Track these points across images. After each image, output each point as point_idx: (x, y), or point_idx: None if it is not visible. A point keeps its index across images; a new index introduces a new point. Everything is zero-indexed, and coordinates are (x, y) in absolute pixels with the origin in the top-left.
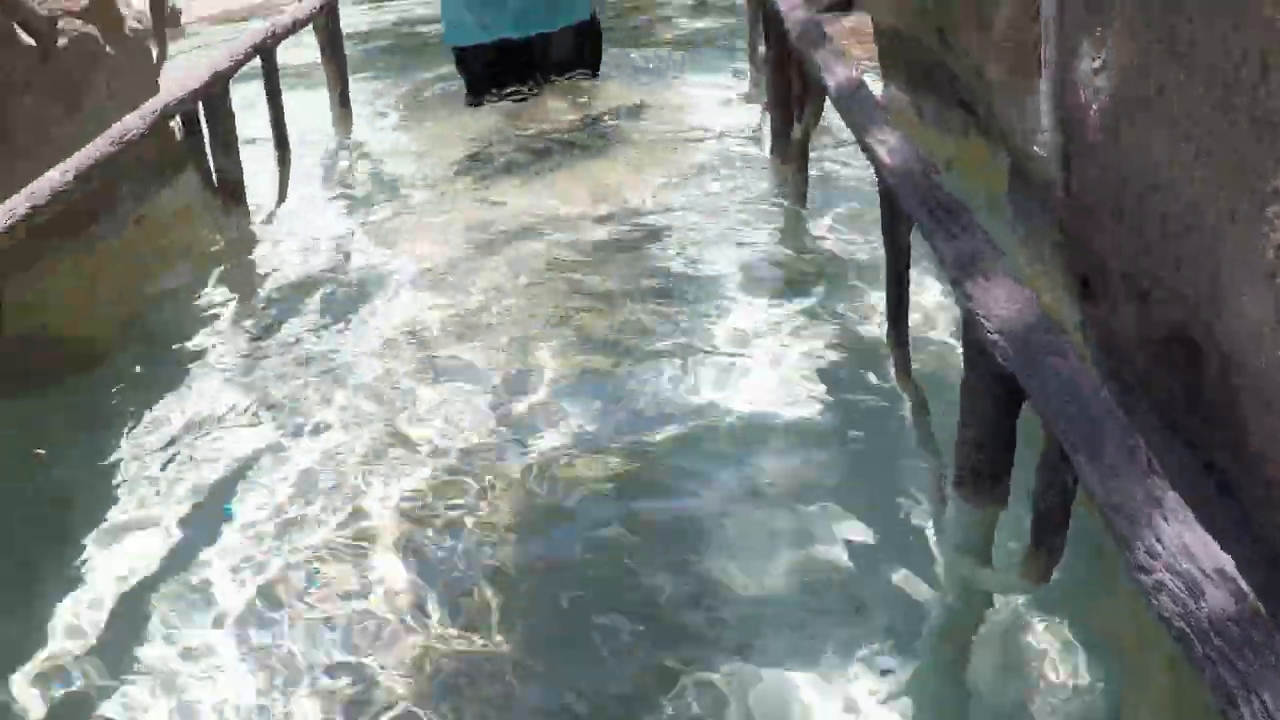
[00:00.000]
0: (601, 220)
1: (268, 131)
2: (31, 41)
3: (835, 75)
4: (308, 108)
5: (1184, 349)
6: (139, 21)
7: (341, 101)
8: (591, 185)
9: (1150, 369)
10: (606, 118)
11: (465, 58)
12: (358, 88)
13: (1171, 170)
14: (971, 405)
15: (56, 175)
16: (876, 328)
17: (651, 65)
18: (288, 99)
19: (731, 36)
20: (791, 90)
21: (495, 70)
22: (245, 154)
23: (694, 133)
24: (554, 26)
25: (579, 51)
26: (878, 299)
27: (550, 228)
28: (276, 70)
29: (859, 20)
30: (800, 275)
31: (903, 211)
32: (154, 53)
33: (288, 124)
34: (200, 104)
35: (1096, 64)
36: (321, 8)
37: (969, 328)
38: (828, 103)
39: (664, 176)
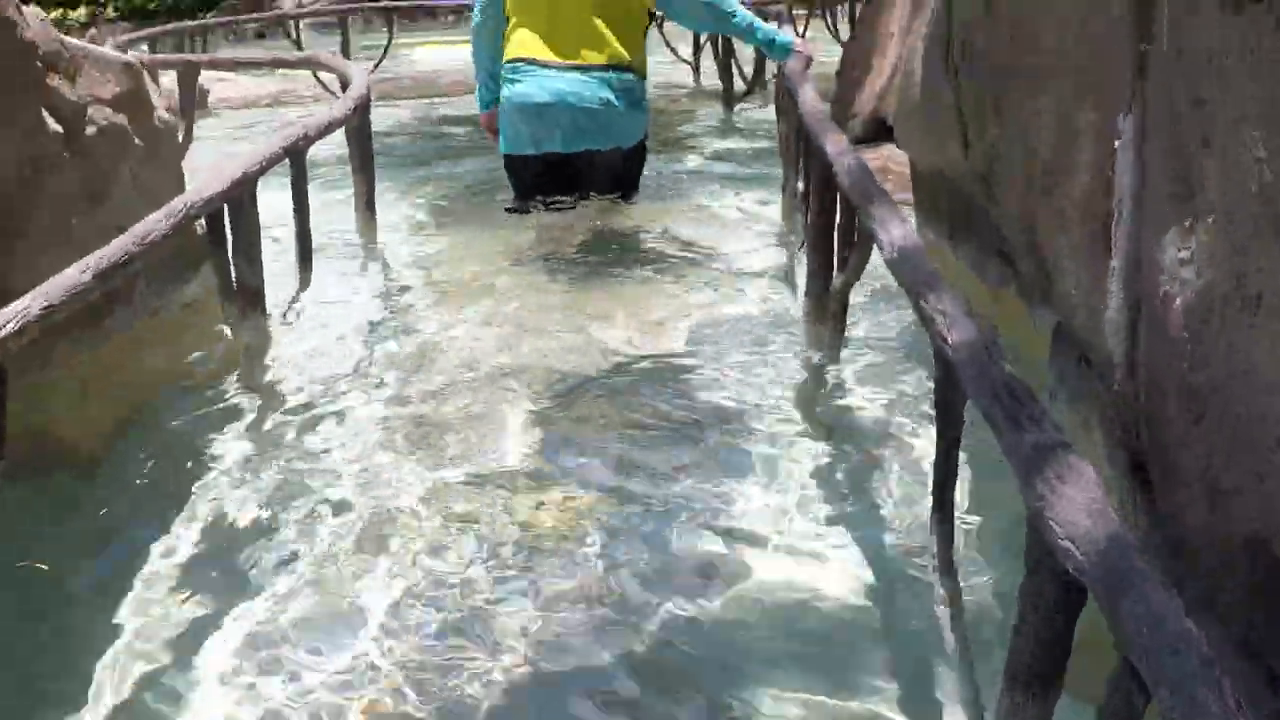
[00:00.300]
0: (621, 356)
1: (289, 216)
2: (59, 128)
3: (890, 233)
4: (329, 204)
5: (1264, 560)
6: (168, 111)
7: (368, 205)
8: (615, 312)
9: (1219, 571)
10: (634, 241)
11: (515, 166)
12: (381, 188)
13: (1266, 375)
14: (1031, 608)
15: (74, 274)
16: (916, 505)
17: (680, 187)
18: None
19: (759, 161)
20: (833, 236)
21: (541, 181)
22: (267, 244)
23: (720, 264)
24: (603, 146)
25: (622, 173)
26: (917, 471)
27: (574, 356)
28: (305, 175)
29: (888, 153)
30: (831, 438)
31: (961, 387)
32: (180, 140)
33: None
34: (225, 205)
35: (1183, 255)
36: (355, 109)
37: (1036, 528)
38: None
39: (685, 312)
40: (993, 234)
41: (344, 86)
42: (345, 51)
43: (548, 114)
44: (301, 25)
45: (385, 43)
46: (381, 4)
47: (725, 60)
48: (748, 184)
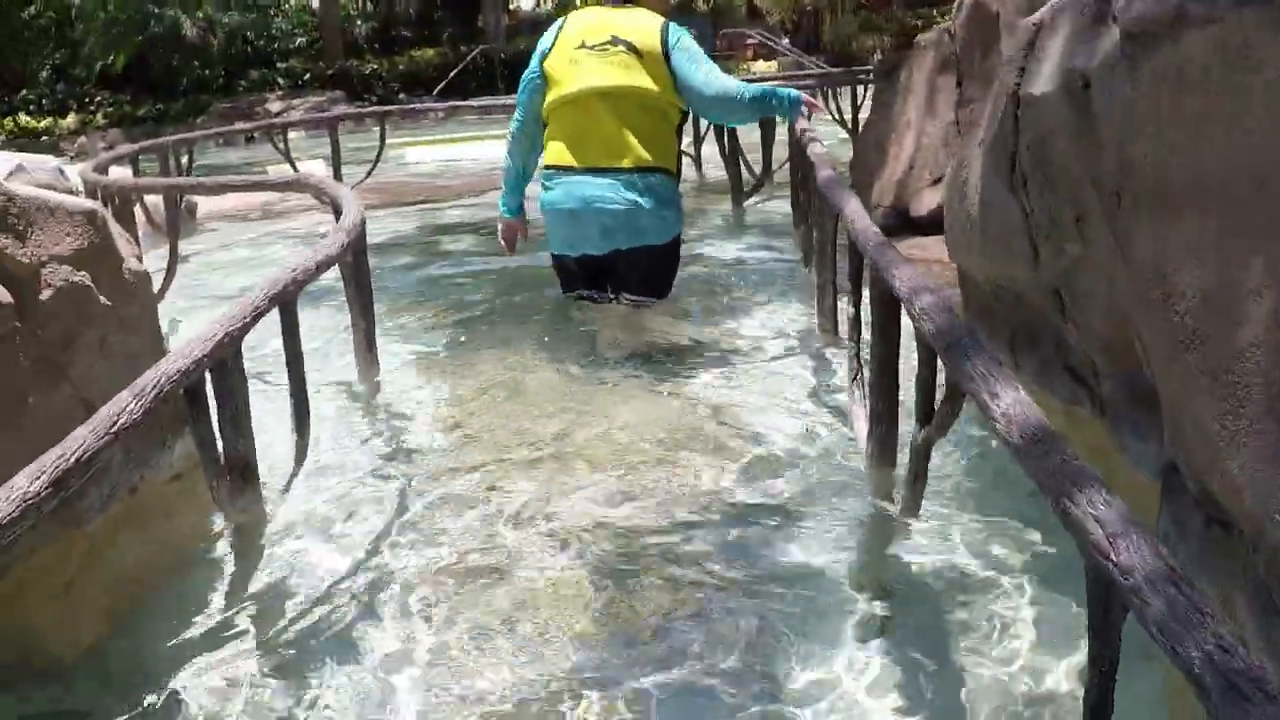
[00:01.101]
0: (665, 506)
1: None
2: (8, 297)
3: (1001, 400)
4: (322, 330)
5: None
6: (138, 258)
7: (367, 345)
8: (647, 452)
9: None
10: (663, 369)
11: (558, 266)
12: (381, 311)
13: None
14: None
15: (24, 482)
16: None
17: (702, 298)
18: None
19: (779, 264)
20: (897, 371)
21: (582, 278)
22: (255, 395)
23: (760, 391)
24: (633, 246)
25: (653, 272)
26: (1023, 664)
27: (613, 511)
28: (297, 326)
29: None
30: (905, 620)
31: (1121, 603)
32: (155, 288)
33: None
34: (208, 371)
35: None
36: (347, 245)
37: None
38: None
39: (728, 449)
40: (1063, 349)
41: (336, 214)
42: (336, 160)
43: (579, 219)
44: (290, 130)
45: (378, 147)
46: (371, 109)
47: (733, 153)
48: (772, 292)
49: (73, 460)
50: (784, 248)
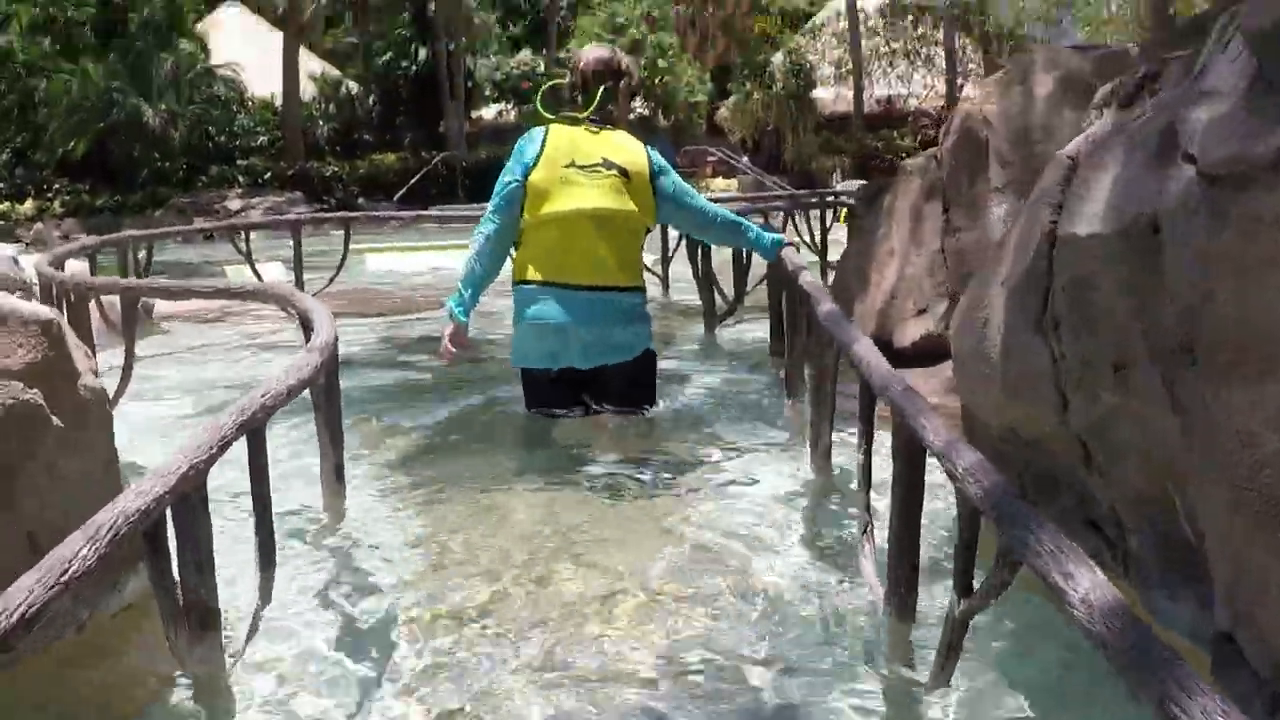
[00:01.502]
0: (654, 673)
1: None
2: None
3: (1078, 584)
4: (287, 452)
5: None
6: (94, 372)
7: (336, 475)
8: (633, 610)
9: None
10: (637, 512)
11: (530, 380)
12: (346, 433)
13: None
14: None
15: None
16: None
17: (675, 427)
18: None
19: (758, 397)
20: (919, 526)
21: (557, 392)
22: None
23: (758, 536)
24: (616, 360)
25: (635, 383)
26: None
27: (599, 684)
28: (265, 456)
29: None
30: None
31: None
32: (109, 401)
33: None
34: (169, 509)
35: None
36: (320, 367)
37: None
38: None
39: (725, 604)
40: (1086, 501)
41: (304, 328)
42: (298, 266)
43: (566, 333)
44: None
45: (341, 252)
46: (336, 214)
47: (706, 276)
48: (755, 426)
49: (16, 616)
50: (762, 378)
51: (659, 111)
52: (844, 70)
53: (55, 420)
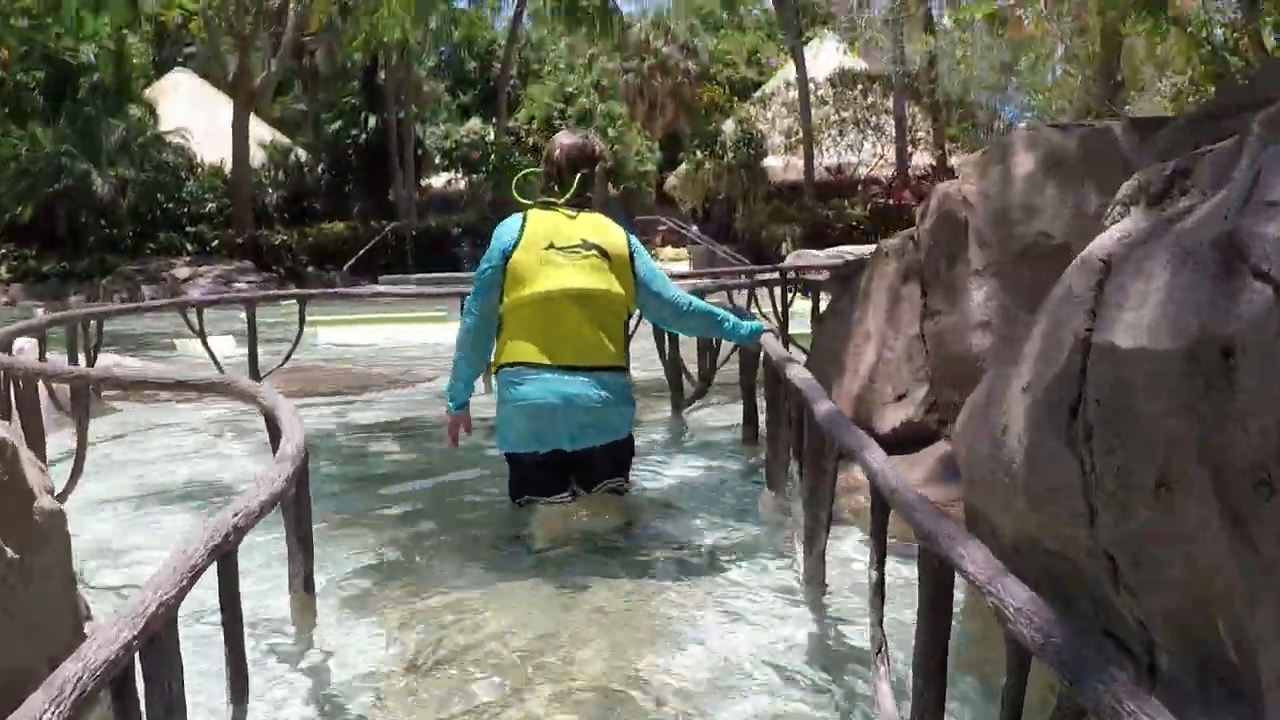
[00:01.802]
0: None
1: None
2: None
3: None
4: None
5: None
6: (50, 491)
7: (305, 586)
8: None
9: None
10: (629, 599)
11: (517, 463)
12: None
13: None
14: None
15: None
16: None
17: (652, 519)
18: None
19: (734, 487)
20: (946, 657)
21: (543, 475)
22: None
23: (743, 644)
24: (603, 441)
25: (616, 464)
26: None
27: None
28: (237, 581)
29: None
30: None
31: None
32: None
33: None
34: (137, 654)
35: None
36: (291, 478)
37: None
38: None
39: None
40: (1107, 614)
41: (270, 427)
42: (252, 344)
43: (554, 414)
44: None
45: (297, 331)
46: (292, 292)
47: (674, 359)
48: (735, 521)
49: None
50: (736, 465)
51: (608, 178)
52: (794, 139)
53: (8, 552)
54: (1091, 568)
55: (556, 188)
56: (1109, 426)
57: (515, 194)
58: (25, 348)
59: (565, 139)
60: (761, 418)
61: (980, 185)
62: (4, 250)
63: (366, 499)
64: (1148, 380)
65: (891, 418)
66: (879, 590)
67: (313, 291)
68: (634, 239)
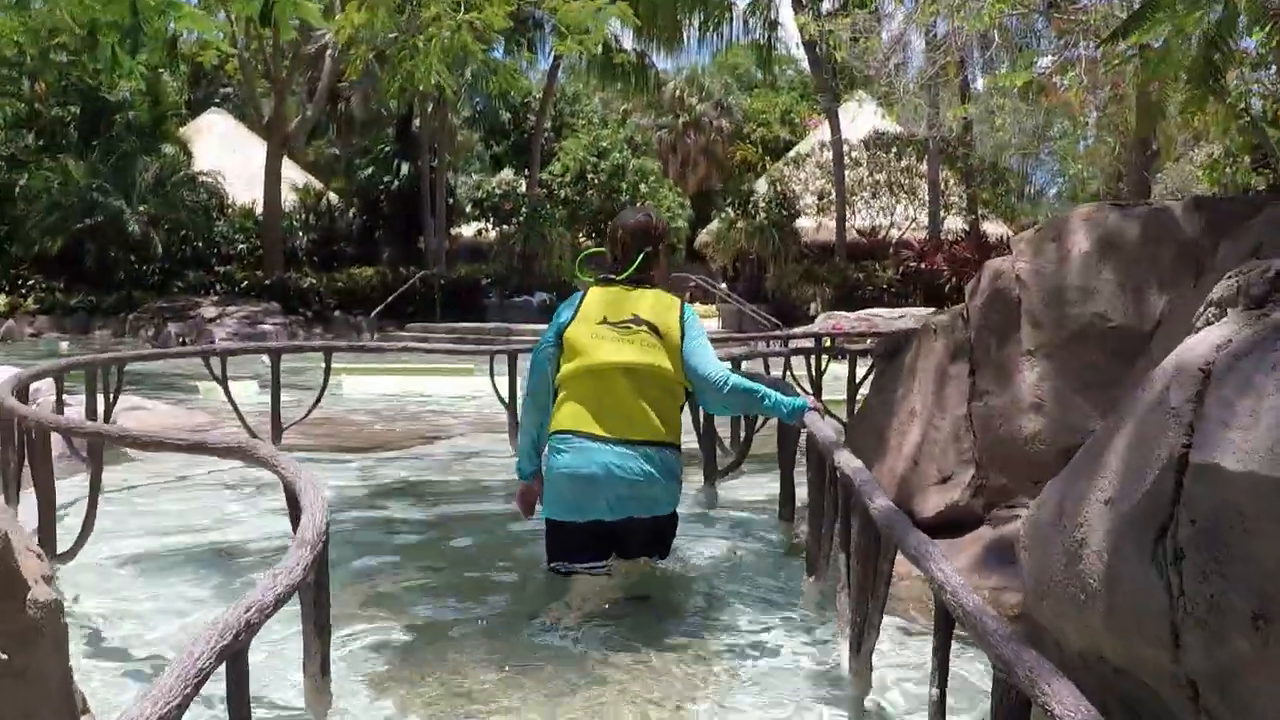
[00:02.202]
0: None
1: None
2: None
3: None
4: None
5: None
6: (47, 579)
7: (322, 670)
8: None
9: None
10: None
11: (556, 531)
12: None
13: None
14: None
15: None
16: None
17: (686, 598)
18: None
19: (771, 570)
20: None
21: (582, 544)
22: None
23: None
24: (643, 514)
25: (656, 538)
26: None
27: None
28: (248, 686)
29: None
30: None
31: None
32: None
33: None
34: None
35: None
36: (311, 565)
37: None
38: None
39: None
40: None
41: (290, 501)
42: (275, 396)
43: (596, 484)
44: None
45: (322, 382)
46: (317, 344)
47: (708, 429)
48: (775, 606)
49: None
50: (773, 545)
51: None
52: (826, 200)
53: None
54: (1170, 693)
55: (619, 265)
56: (1205, 551)
57: (578, 273)
58: (43, 388)
59: (629, 217)
60: (799, 489)
61: (1034, 263)
62: (32, 282)
63: (386, 569)
64: (1256, 507)
65: (935, 500)
66: (940, 710)
67: (339, 345)
68: (689, 314)
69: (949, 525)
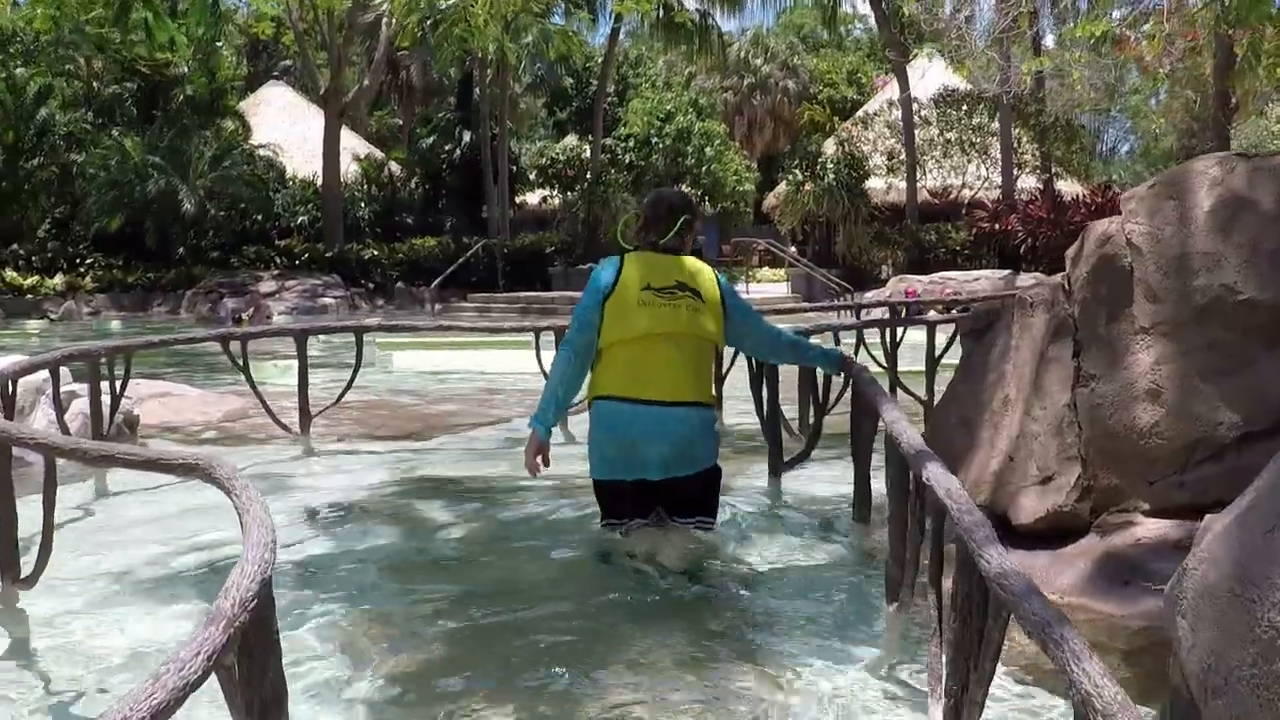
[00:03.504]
0: None
1: None
2: None
3: None
4: None
5: None
6: None
7: None
8: None
9: None
10: None
11: (606, 491)
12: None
13: None
14: None
15: None
16: None
17: (735, 613)
18: None
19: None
20: None
21: (631, 502)
22: None
23: None
24: (688, 473)
25: (703, 491)
26: None
27: None
28: None
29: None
30: None
31: None
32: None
33: None
34: None
35: None
36: (225, 645)
37: None
38: None
39: None
40: None
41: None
42: (302, 379)
43: (640, 446)
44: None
45: (354, 364)
46: (346, 324)
47: (772, 412)
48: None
49: None
50: (845, 553)
51: (705, 199)
52: (896, 160)
53: None
54: None
55: (657, 232)
56: None
57: (618, 238)
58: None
59: (667, 190)
60: (876, 483)
61: (1150, 226)
62: (91, 260)
63: (406, 586)
64: None
65: (1035, 505)
66: None
67: (369, 324)
68: (723, 280)
69: (1050, 533)
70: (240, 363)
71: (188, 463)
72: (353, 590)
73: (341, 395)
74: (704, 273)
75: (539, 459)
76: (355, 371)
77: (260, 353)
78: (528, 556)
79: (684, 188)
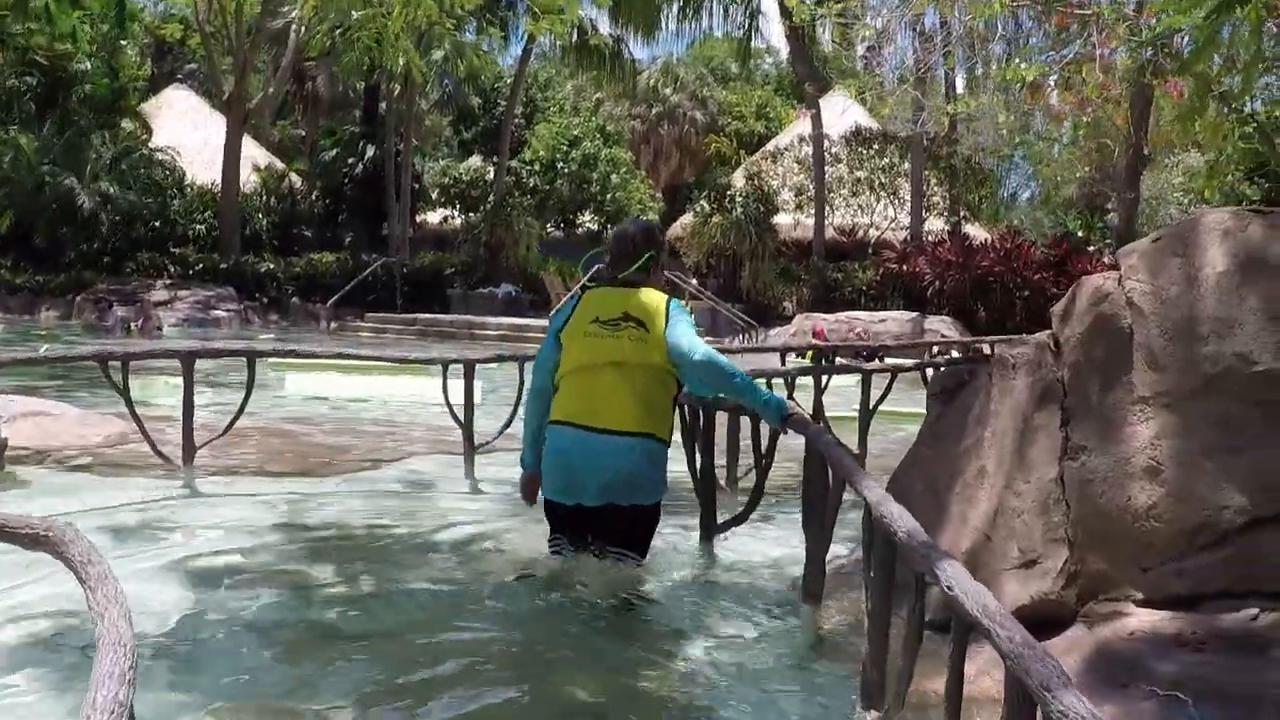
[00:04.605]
0: None
1: None
2: None
3: None
4: None
5: None
6: None
7: None
8: None
9: None
10: None
11: (551, 510)
12: None
13: None
14: None
15: None
16: None
17: None
18: None
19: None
20: None
21: (572, 524)
22: None
23: None
24: (625, 502)
25: (636, 528)
26: None
27: None
28: None
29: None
30: None
31: None
32: None
33: None
34: None
35: None
36: None
37: None
38: None
39: None
40: None
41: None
42: (187, 405)
43: (581, 472)
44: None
45: (244, 392)
46: (238, 349)
47: (705, 463)
48: None
49: None
50: (795, 638)
51: (608, 227)
52: (804, 197)
53: None
54: None
55: (618, 268)
56: None
57: (579, 272)
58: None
59: (632, 226)
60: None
61: (1153, 285)
62: None
63: (295, 670)
64: None
65: (1018, 591)
66: None
67: (262, 349)
68: (674, 304)
69: (1031, 622)
70: (120, 387)
71: (35, 533)
72: (236, 674)
73: (229, 426)
74: (653, 304)
75: (534, 488)
76: (245, 399)
77: (149, 369)
78: (431, 631)
79: (587, 214)
